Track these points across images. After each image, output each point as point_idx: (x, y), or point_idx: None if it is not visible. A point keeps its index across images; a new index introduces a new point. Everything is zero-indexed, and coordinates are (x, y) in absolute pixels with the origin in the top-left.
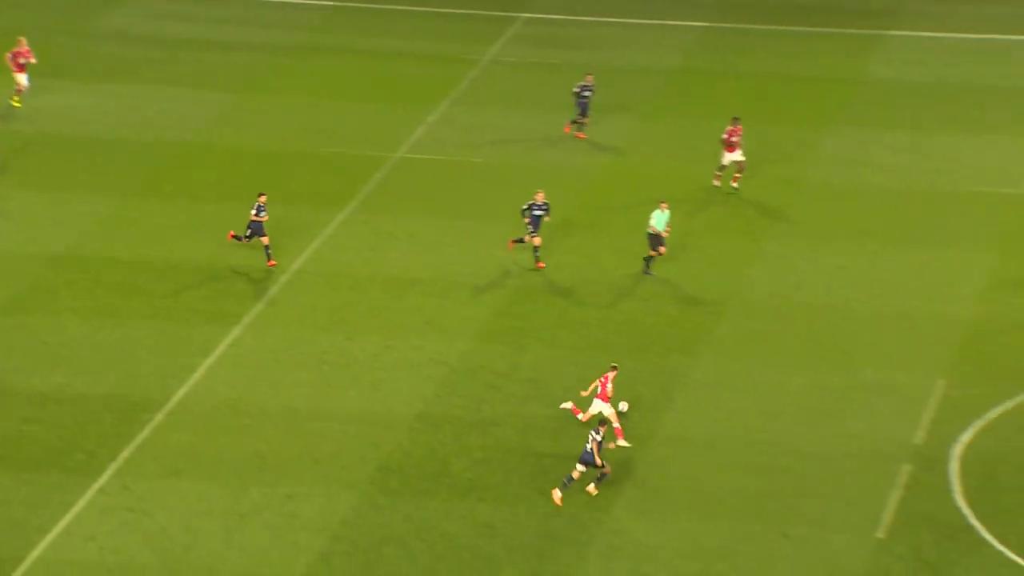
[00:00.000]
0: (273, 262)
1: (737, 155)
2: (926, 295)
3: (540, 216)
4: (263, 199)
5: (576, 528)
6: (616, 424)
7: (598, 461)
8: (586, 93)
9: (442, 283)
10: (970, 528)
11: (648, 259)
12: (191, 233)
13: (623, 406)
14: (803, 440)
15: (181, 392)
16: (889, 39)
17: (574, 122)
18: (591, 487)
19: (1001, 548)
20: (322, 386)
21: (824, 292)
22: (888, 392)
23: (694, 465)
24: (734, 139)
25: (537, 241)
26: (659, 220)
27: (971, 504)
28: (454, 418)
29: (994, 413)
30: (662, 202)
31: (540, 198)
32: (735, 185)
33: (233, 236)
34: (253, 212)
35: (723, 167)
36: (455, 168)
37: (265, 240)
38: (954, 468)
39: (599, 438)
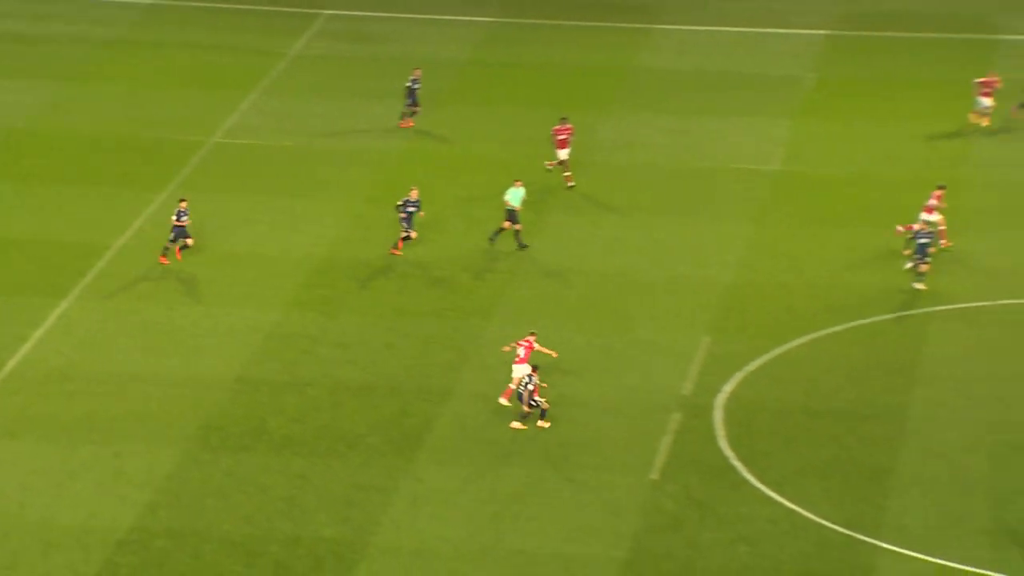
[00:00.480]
0: (165, 260)
1: (564, 153)
2: (693, 262)
3: (413, 212)
4: (184, 204)
5: (383, 477)
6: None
7: (539, 402)
8: (416, 86)
9: (256, 257)
10: (732, 468)
11: (499, 230)
12: (23, 213)
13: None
14: (585, 393)
15: (13, 361)
16: (656, 32)
17: (404, 113)
18: (517, 423)
19: (759, 485)
20: (147, 352)
21: (602, 260)
22: (659, 349)
23: (487, 418)
24: (561, 136)
25: (414, 235)
26: (514, 196)
27: (733, 447)
28: (270, 380)
29: (753, 366)
30: (516, 180)
31: (414, 195)
32: (570, 184)
33: (168, 247)
34: (174, 217)
35: (562, 162)
36: (266, 151)
37: (189, 241)
38: (718, 416)
39: (531, 385)
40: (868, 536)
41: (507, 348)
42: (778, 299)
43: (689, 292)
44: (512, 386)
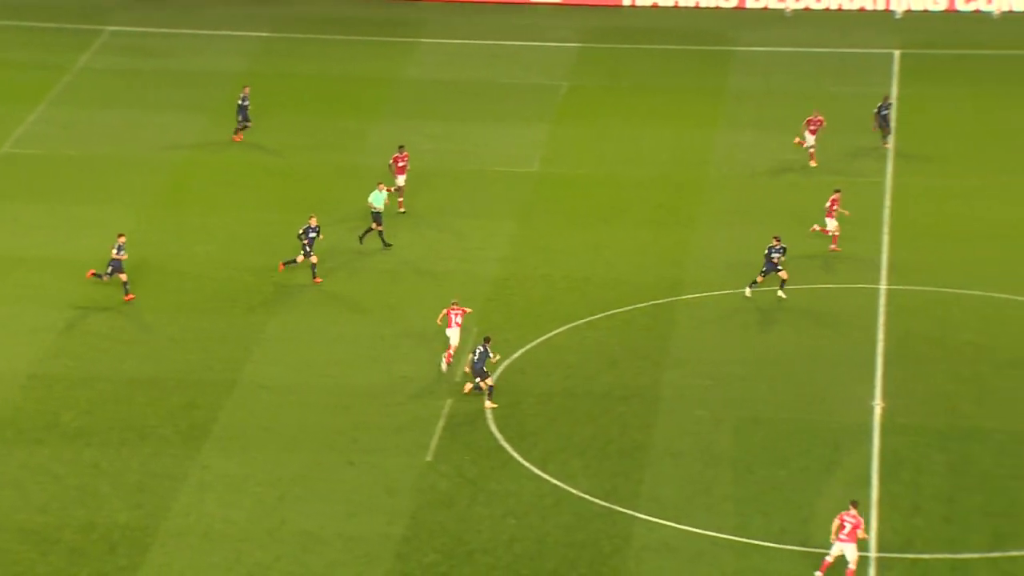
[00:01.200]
0: (130, 295)
1: (402, 179)
2: (460, 257)
3: (315, 237)
4: (122, 240)
5: (172, 465)
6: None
7: (485, 381)
8: (245, 102)
9: (46, 260)
10: (501, 448)
11: (367, 231)
12: None
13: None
14: (362, 382)
15: None
16: (421, 45)
17: (238, 128)
18: (468, 387)
19: (526, 463)
20: None
21: (375, 257)
22: (429, 339)
23: (271, 407)
24: (400, 164)
25: (314, 259)
26: (376, 199)
27: (501, 429)
28: (62, 376)
29: (518, 353)
30: (379, 183)
31: (314, 222)
32: (401, 210)
33: (93, 274)
34: (114, 251)
35: (399, 188)
36: (54, 161)
37: (123, 277)
38: (487, 400)
39: (483, 351)
40: (625, 507)
41: (439, 320)
42: (540, 291)
43: (458, 286)
44: (451, 351)
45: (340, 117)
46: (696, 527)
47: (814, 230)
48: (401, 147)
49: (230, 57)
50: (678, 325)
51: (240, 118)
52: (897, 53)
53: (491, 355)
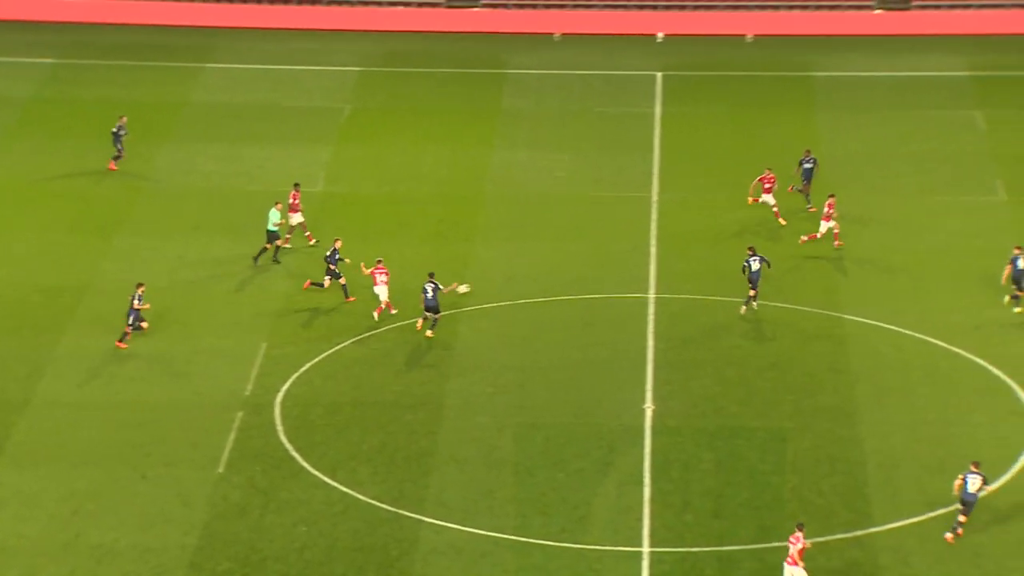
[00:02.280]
0: (123, 344)
1: (297, 217)
2: (251, 272)
3: (339, 259)
4: (142, 289)
5: None
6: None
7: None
8: (122, 132)
9: None
10: (292, 458)
11: (263, 250)
12: None
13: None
14: (156, 398)
15: None
16: (207, 70)
17: (114, 158)
18: (429, 332)
19: (316, 472)
20: None
21: (168, 276)
22: (222, 355)
23: (64, 424)
24: (294, 203)
25: (342, 280)
26: (273, 216)
27: (291, 440)
28: None
29: (307, 366)
30: (277, 202)
31: (339, 245)
32: (312, 242)
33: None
34: (135, 301)
35: (299, 225)
36: None
37: (143, 326)
38: (277, 412)
39: (433, 286)
40: (412, 512)
41: (366, 272)
42: (328, 303)
43: (248, 302)
44: (383, 305)
45: (128, 141)
46: (480, 528)
47: (806, 240)
48: (296, 185)
49: (15, 83)
50: (460, 336)
51: (117, 147)
52: (659, 75)
53: (443, 287)
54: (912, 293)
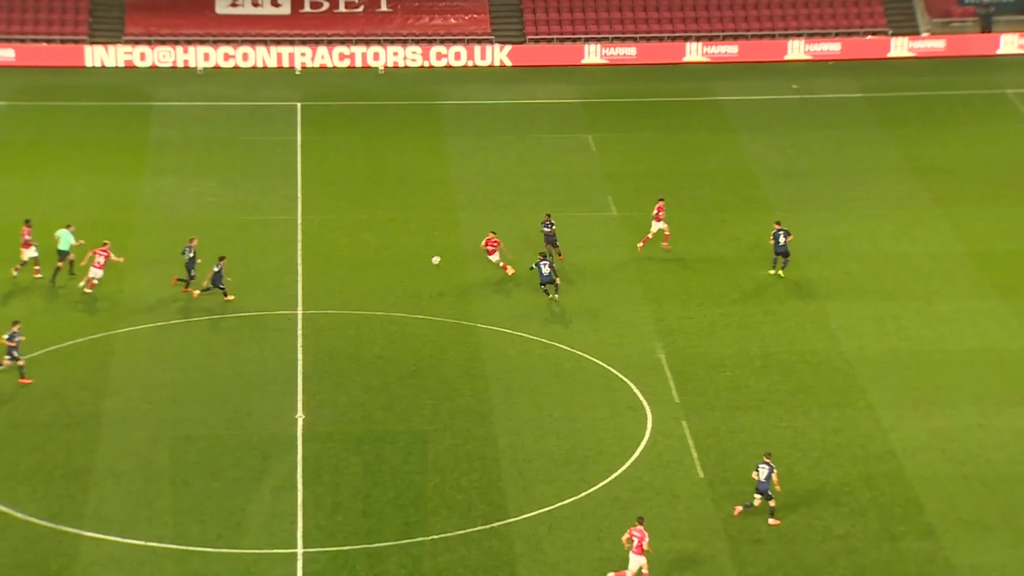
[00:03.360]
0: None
1: (31, 252)
2: None
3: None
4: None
5: None
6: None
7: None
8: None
9: None
10: None
11: (56, 271)
12: None
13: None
14: None
15: None
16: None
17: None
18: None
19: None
20: None
21: None
22: None
23: None
24: (26, 238)
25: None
26: (64, 238)
27: None
28: None
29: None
30: (69, 225)
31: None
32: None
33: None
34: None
35: (34, 259)
36: None
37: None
38: None
39: (218, 271)
40: (71, 526)
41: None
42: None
43: None
44: (95, 281)
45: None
46: (139, 539)
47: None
48: (28, 221)
49: None
50: (115, 356)
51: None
52: (299, 105)
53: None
54: (534, 302)
